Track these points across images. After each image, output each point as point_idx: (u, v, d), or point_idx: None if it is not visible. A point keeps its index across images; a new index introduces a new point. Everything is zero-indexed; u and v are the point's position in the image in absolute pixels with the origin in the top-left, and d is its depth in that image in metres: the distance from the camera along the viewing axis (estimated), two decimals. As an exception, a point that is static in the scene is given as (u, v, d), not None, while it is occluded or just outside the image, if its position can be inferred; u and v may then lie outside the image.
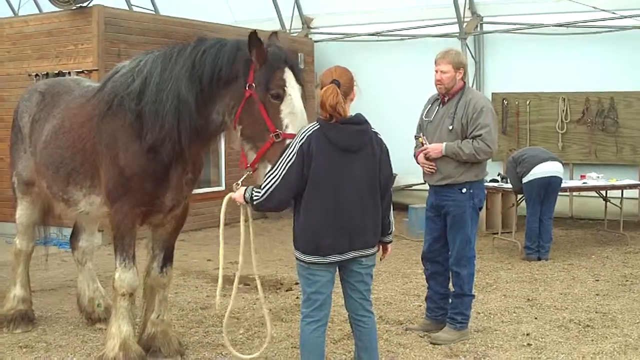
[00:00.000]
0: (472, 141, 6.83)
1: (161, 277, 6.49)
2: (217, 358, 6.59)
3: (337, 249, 5.16)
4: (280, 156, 5.11)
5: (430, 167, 7.02)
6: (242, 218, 5.51)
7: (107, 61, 12.28)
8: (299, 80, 5.44)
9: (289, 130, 5.25)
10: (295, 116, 5.30)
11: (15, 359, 6.64)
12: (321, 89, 5.26)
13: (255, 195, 5.12)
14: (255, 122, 5.34)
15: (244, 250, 5.56)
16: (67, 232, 8.25)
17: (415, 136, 7.38)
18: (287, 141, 5.20)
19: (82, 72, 12.40)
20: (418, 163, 7.17)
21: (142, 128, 5.83)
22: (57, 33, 13.07)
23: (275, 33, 5.75)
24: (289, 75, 5.38)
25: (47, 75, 12.49)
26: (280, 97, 5.30)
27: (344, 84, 5.21)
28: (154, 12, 18.27)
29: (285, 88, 5.33)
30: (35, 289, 8.26)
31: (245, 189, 5.25)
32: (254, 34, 5.30)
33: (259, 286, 5.73)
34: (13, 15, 17.50)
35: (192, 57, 5.67)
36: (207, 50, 5.65)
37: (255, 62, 5.37)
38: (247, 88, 5.37)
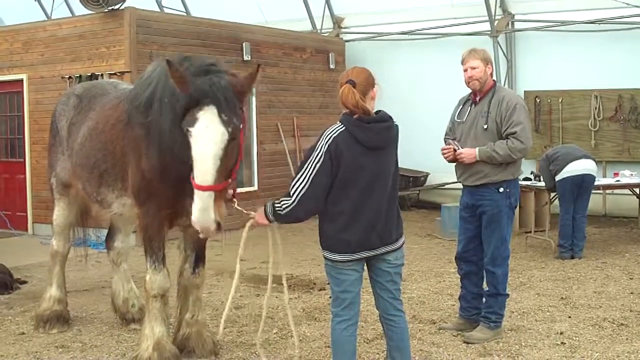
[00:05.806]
0: (507, 141, 6.74)
1: (194, 278, 6.51)
2: (250, 358, 6.61)
3: (367, 246, 5.17)
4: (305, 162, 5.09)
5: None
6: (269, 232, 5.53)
7: (139, 63, 12.35)
8: (226, 120, 5.03)
9: (194, 176, 5.06)
10: (195, 162, 5.06)
11: (52, 359, 6.73)
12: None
13: (285, 204, 5.11)
14: None
15: (273, 252, 5.59)
16: (103, 233, 8.32)
17: (445, 139, 7.28)
18: (199, 192, 4.98)
19: (115, 74, 12.52)
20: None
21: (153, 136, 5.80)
22: (90, 36, 13.18)
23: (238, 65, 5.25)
24: (205, 114, 5.04)
25: (80, 77, 12.64)
26: (190, 136, 5.07)
27: (360, 83, 5.15)
28: (185, 14, 18.40)
29: (191, 128, 5.04)
30: (70, 289, 8.34)
31: (265, 206, 5.24)
32: (166, 62, 5.10)
33: (285, 290, 5.72)
34: (46, 19, 17.65)
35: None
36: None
37: (180, 92, 5.18)
38: None
